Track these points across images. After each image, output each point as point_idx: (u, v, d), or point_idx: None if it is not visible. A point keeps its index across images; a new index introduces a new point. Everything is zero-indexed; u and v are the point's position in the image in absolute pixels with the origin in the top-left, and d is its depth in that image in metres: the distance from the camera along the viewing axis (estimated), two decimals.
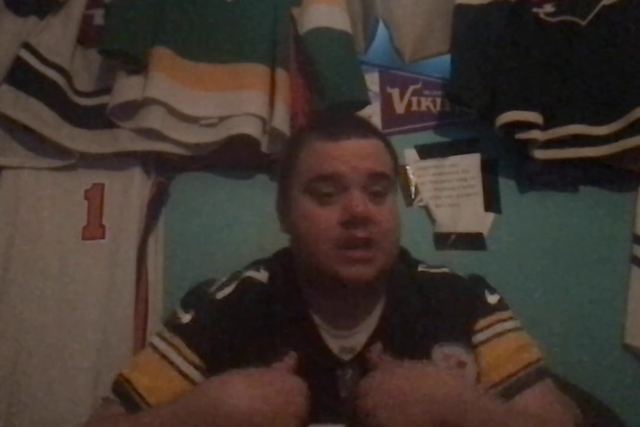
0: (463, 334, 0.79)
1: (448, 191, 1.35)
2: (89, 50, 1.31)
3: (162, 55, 1.24)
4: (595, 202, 1.31)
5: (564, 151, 1.24)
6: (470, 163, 1.35)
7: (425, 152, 1.37)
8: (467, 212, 1.33)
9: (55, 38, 1.29)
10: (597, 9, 1.26)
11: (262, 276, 0.86)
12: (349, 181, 0.75)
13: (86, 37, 1.31)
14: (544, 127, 1.23)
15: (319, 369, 0.76)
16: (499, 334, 0.81)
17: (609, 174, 1.28)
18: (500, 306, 0.84)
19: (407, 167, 1.36)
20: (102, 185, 1.31)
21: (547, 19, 1.27)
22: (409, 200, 1.35)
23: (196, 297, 0.85)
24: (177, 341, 0.80)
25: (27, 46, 1.26)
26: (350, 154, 0.76)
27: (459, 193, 1.34)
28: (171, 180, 1.36)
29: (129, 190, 1.29)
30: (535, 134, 1.22)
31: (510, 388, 0.76)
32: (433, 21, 1.35)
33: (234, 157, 1.32)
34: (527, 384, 0.77)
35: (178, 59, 1.26)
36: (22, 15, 1.29)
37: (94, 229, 1.29)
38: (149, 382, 0.77)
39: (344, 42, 1.28)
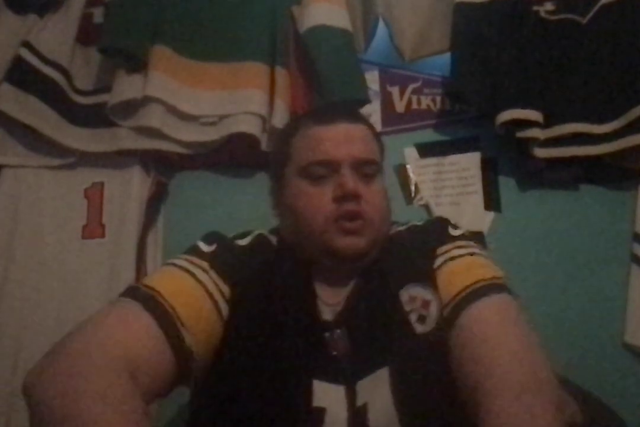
0: (425, 272, 0.81)
1: (448, 190, 1.34)
2: (89, 49, 1.32)
3: (161, 53, 1.24)
4: (596, 200, 1.31)
5: (564, 150, 1.23)
6: (470, 161, 1.35)
7: (426, 150, 1.37)
8: (467, 211, 1.32)
9: (55, 37, 1.29)
10: (597, 7, 1.25)
11: (272, 238, 0.89)
12: (341, 164, 0.81)
13: (86, 35, 1.32)
14: (544, 126, 1.23)
15: (309, 334, 0.78)
16: (453, 258, 0.83)
17: (609, 173, 1.28)
18: (463, 237, 0.87)
19: (407, 165, 1.36)
20: (102, 184, 1.32)
21: (547, 17, 1.27)
22: (409, 199, 1.35)
23: (219, 236, 0.86)
24: (201, 262, 0.80)
25: (27, 45, 1.26)
26: (341, 137, 0.82)
27: (459, 192, 1.34)
28: (171, 179, 1.36)
29: (129, 189, 1.29)
30: (536, 133, 1.22)
31: (461, 302, 0.77)
32: (433, 19, 1.34)
33: (234, 155, 1.32)
34: (479, 295, 0.76)
35: (178, 57, 1.27)
36: (22, 14, 1.30)
37: (93, 228, 1.29)
38: (174, 288, 0.75)
39: (344, 41, 1.28)
